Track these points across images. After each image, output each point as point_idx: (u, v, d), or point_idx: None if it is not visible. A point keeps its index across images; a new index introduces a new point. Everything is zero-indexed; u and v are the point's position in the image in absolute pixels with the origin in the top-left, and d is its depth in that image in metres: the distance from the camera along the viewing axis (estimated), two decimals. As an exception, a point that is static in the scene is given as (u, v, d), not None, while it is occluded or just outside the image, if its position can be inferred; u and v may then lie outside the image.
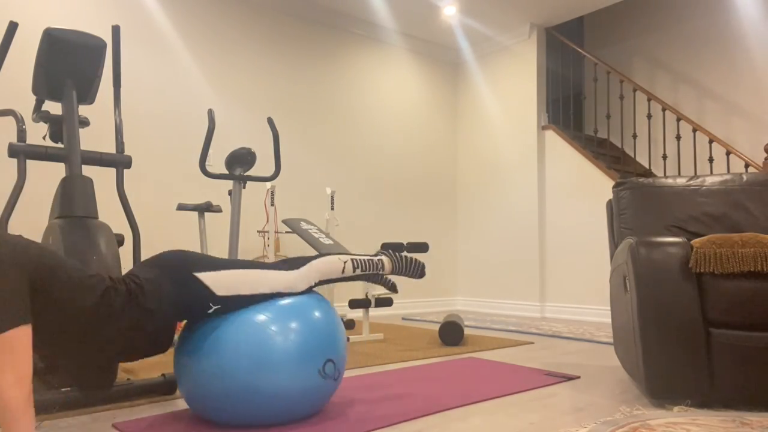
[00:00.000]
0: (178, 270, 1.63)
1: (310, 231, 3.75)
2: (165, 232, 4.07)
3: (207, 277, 1.64)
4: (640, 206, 2.34)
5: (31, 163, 3.51)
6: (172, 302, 1.61)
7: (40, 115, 2.38)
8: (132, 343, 1.57)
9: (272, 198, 4.00)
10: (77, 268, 1.48)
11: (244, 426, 1.69)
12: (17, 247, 1.34)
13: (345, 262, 1.92)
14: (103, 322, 1.48)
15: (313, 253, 4.62)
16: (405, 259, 2.06)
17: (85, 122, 2.44)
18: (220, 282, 1.65)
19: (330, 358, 1.73)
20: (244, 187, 3.61)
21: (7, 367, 1.23)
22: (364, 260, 1.97)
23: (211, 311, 1.66)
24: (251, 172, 4.50)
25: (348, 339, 3.43)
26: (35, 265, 1.36)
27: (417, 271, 2.07)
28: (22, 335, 1.26)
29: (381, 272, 2.02)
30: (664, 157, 4.78)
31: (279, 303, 1.72)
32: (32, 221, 3.52)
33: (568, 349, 3.25)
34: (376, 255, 2.04)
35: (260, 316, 1.67)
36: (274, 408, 1.65)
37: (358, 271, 1.95)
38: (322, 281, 1.89)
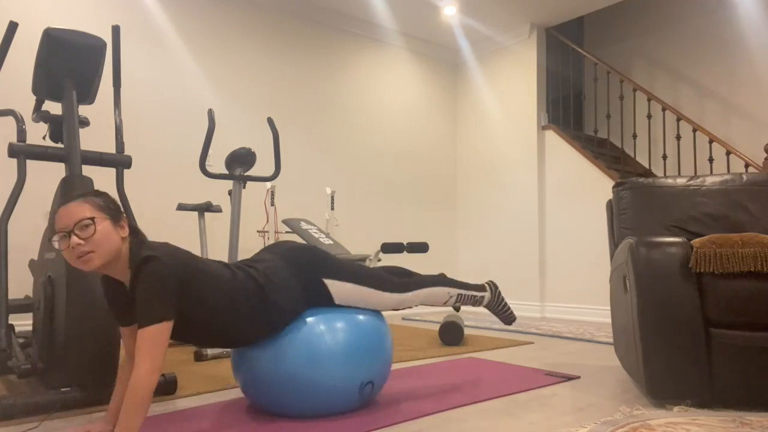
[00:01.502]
0: (310, 271, 1.78)
1: (310, 231, 3.75)
2: (165, 232, 4.07)
3: (332, 285, 1.79)
4: (640, 206, 2.34)
5: (31, 163, 3.51)
6: (296, 297, 1.74)
7: (40, 115, 2.38)
8: (256, 332, 1.69)
9: (272, 198, 4.00)
10: (217, 268, 1.64)
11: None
12: (171, 256, 1.52)
13: (451, 296, 2.04)
14: (237, 314, 1.64)
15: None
16: (503, 304, 2.15)
17: (85, 122, 2.44)
18: (341, 293, 1.81)
19: (371, 381, 1.82)
20: (244, 187, 3.61)
21: (147, 357, 1.40)
22: (468, 296, 2.09)
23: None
24: (251, 172, 4.50)
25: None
26: (184, 270, 1.54)
27: (508, 319, 2.16)
28: (165, 330, 1.43)
29: (477, 305, 2.14)
30: (664, 157, 4.78)
31: (345, 317, 1.81)
32: (32, 221, 3.52)
33: (568, 349, 3.24)
34: (480, 290, 2.12)
35: (322, 330, 1.75)
36: (309, 407, 1.76)
37: (458, 305, 2.07)
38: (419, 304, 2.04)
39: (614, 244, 2.48)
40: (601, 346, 3.33)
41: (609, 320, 4.70)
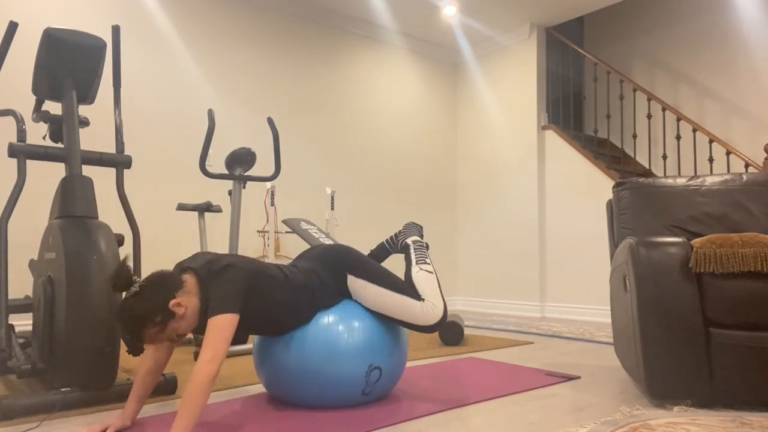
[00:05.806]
0: (336, 265, 1.93)
1: (310, 231, 3.75)
2: (165, 232, 4.07)
3: (352, 282, 1.92)
4: (640, 206, 2.34)
5: (31, 163, 3.51)
6: (332, 291, 1.91)
7: (40, 115, 2.38)
8: (305, 320, 1.86)
9: (272, 198, 4.00)
10: (274, 270, 1.81)
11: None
12: (243, 263, 1.71)
13: (419, 264, 2.08)
14: (291, 307, 1.82)
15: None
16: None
17: (85, 122, 2.44)
18: (361, 294, 1.92)
19: (379, 367, 1.88)
20: (244, 187, 3.61)
21: (210, 345, 1.49)
22: (421, 251, 2.17)
23: None
24: (251, 172, 4.50)
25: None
26: (253, 273, 1.72)
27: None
28: (230, 322, 1.55)
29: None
30: (664, 157, 4.78)
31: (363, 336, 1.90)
32: (32, 221, 3.52)
33: (568, 349, 3.24)
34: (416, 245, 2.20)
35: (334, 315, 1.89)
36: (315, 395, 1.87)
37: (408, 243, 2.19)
38: None
39: (614, 244, 2.48)
40: (601, 346, 3.33)
41: (609, 320, 4.70)
